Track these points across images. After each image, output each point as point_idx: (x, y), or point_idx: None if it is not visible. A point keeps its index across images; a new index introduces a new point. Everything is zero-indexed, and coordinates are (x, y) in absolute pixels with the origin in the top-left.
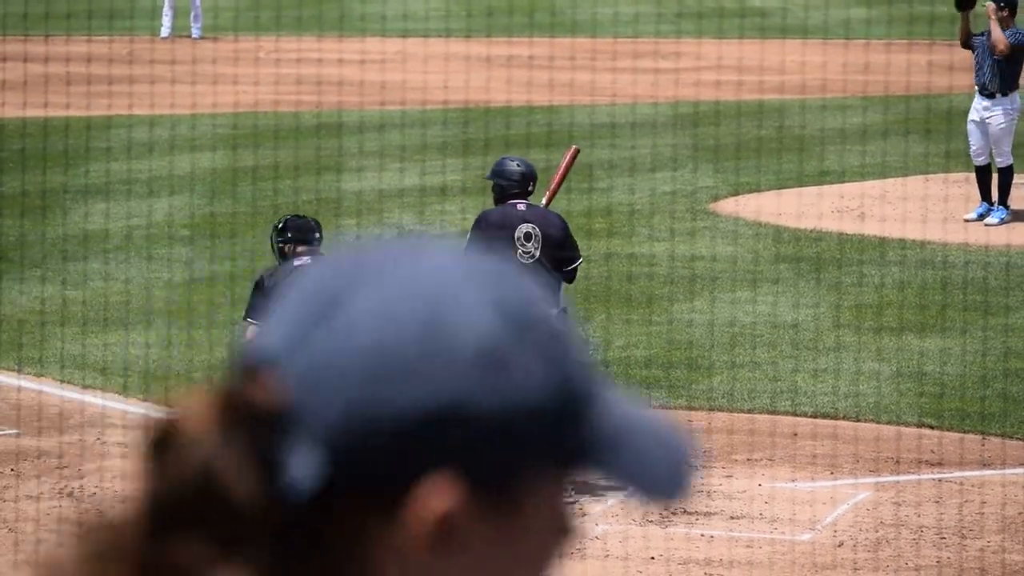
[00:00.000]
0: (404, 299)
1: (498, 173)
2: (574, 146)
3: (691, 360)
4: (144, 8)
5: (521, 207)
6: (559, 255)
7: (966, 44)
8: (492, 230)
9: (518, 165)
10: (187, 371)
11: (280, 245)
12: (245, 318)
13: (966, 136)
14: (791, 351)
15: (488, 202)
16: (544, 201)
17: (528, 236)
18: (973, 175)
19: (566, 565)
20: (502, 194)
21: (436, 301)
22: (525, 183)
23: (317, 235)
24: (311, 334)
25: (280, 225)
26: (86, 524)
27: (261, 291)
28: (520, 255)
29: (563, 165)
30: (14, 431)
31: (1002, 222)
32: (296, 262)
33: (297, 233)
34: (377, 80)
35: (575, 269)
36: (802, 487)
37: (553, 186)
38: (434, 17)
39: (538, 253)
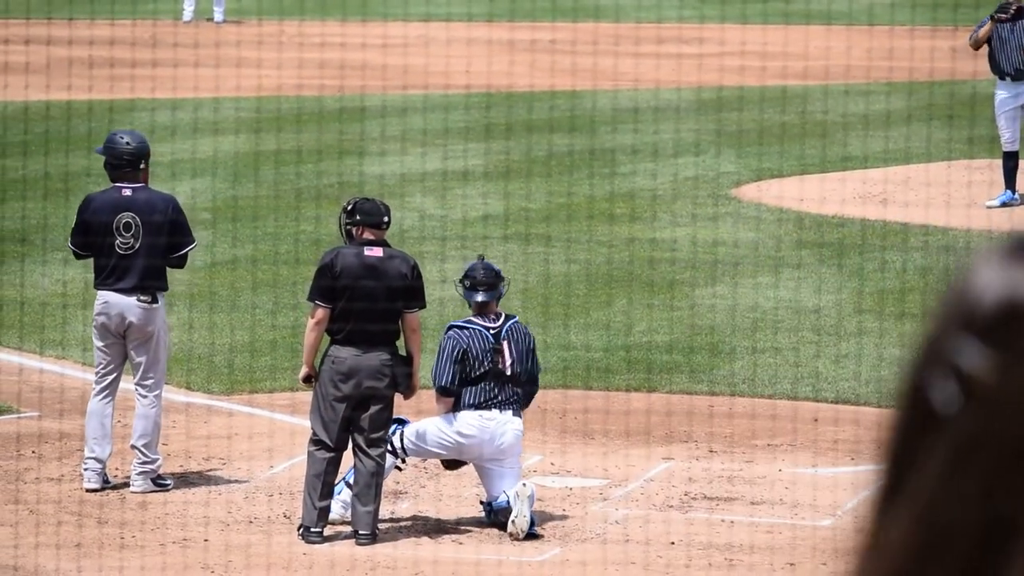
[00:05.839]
0: None
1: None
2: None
3: (713, 345)
4: None
5: (127, 191)
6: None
7: (979, 46)
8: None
9: (128, 143)
10: (208, 355)
11: (348, 227)
12: (311, 299)
13: (999, 125)
14: (813, 336)
15: (511, 186)
16: None
17: (128, 226)
18: (997, 161)
19: (586, 550)
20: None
21: None
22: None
23: (386, 219)
24: None
25: (349, 207)
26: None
27: (329, 274)
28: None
29: None
30: (36, 413)
31: (1004, 205)
32: (367, 251)
33: (366, 216)
34: (400, 64)
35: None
36: (823, 473)
37: None
38: (456, 1)
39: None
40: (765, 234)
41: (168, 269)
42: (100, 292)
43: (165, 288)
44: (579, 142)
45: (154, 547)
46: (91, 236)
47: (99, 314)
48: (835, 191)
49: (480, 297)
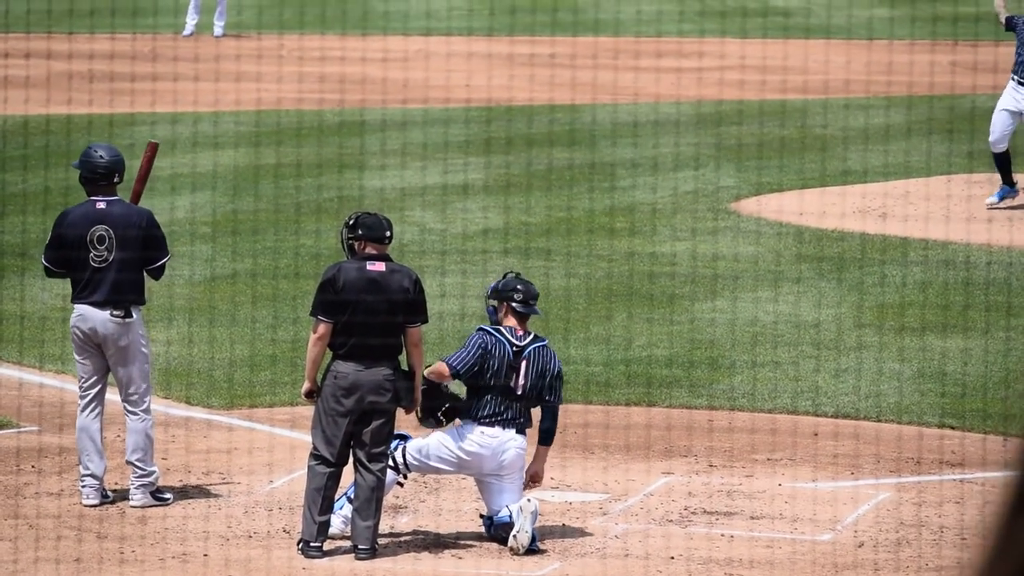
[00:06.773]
0: None
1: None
2: (151, 141)
3: (712, 359)
4: (167, 6)
5: (102, 205)
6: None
7: (1009, 26)
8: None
9: (102, 156)
10: (208, 369)
11: (350, 242)
12: (313, 315)
13: (994, 127)
14: (812, 351)
15: (511, 200)
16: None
17: (101, 239)
18: (996, 175)
19: (586, 564)
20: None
21: None
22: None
23: (388, 234)
24: None
25: (351, 222)
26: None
27: (332, 289)
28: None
29: (144, 162)
30: (36, 428)
31: (1002, 199)
32: (369, 265)
33: (368, 231)
34: (399, 78)
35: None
36: (823, 487)
37: (136, 186)
38: (456, 15)
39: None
40: (765, 248)
41: (148, 283)
42: (76, 305)
43: (141, 302)
44: (579, 156)
45: (153, 562)
46: (66, 250)
47: (74, 327)
48: (835, 205)
49: (524, 309)
